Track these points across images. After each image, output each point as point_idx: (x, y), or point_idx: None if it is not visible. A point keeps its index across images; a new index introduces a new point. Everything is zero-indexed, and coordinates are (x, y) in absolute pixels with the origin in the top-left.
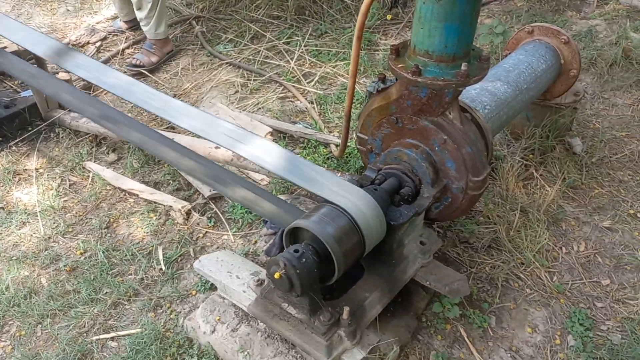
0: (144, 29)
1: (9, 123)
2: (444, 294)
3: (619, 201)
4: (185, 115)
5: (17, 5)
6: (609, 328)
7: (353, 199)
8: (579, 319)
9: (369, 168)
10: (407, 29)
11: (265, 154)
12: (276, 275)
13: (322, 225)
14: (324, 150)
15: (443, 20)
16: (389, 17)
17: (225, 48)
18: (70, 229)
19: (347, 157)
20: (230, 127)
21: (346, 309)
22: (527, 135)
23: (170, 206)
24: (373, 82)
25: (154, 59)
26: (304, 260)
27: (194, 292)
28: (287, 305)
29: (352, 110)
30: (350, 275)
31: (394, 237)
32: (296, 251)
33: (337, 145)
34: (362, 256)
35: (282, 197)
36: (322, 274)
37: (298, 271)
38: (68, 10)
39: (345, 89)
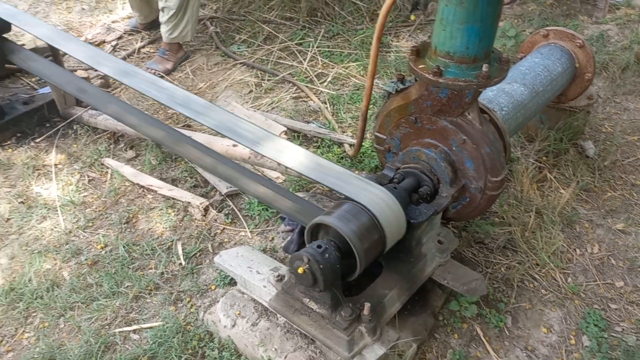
0: (161, 30)
1: (28, 119)
2: (461, 293)
3: (632, 204)
4: (209, 113)
5: (33, 4)
6: (623, 329)
7: (374, 197)
8: (593, 320)
9: (387, 167)
10: (419, 31)
11: (288, 153)
12: (300, 270)
13: (344, 222)
14: (338, 149)
15: (465, 22)
16: (412, 17)
17: (239, 48)
18: (90, 224)
19: (360, 156)
20: (253, 128)
21: (367, 305)
22: (540, 138)
23: (189, 202)
24: (392, 82)
25: (169, 65)
26: (327, 255)
27: (213, 287)
28: (308, 300)
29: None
30: (368, 273)
31: (412, 236)
32: (319, 247)
33: (351, 145)
34: (382, 253)
35: (300, 194)
36: (344, 270)
37: (321, 266)
38: (83, 8)
39: (358, 89)
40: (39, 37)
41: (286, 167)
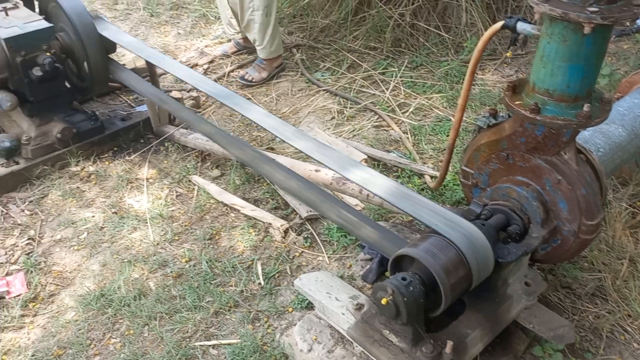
0: (257, 48)
1: (125, 134)
2: (547, 339)
3: None
4: (298, 138)
5: (134, 27)
6: None
7: (462, 232)
8: None
9: (474, 202)
10: (505, 64)
11: (375, 181)
12: (383, 301)
13: (430, 255)
14: (418, 180)
15: (567, 60)
16: (508, 54)
17: (322, 76)
18: (176, 238)
19: (441, 189)
20: (340, 154)
21: (449, 343)
22: (635, 182)
23: (270, 223)
24: (483, 116)
25: (264, 74)
26: (411, 288)
27: (290, 309)
28: (388, 332)
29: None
30: (449, 310)
31: (499, 275)
32: (404, 279)
33: (432, 177)
34: (468, 290)
35: (381, 224)
36: (427, 305)
37: (405, 299)
38: (179, 33)
39: (440, 121)
40: (145, 59)
41: (368, 195)
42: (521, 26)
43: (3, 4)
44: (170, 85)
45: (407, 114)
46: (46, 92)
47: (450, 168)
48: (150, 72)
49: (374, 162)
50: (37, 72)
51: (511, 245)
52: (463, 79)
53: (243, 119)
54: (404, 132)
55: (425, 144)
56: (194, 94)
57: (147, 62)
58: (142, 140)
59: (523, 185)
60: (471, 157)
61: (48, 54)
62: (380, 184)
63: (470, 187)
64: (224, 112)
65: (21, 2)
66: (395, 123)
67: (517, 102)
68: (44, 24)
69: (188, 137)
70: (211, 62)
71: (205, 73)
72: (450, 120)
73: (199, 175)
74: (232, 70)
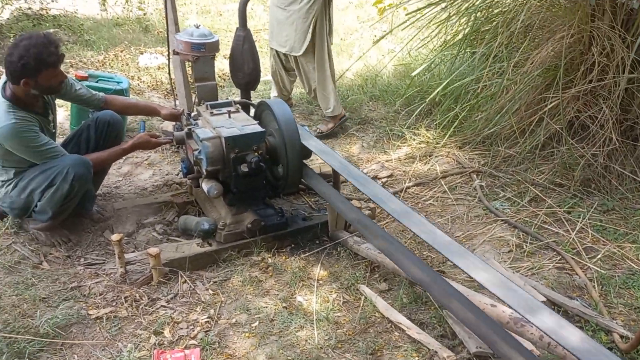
0: None
1: (304, 233)
2: None
3: None
4: (480, 269)
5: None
6: None
7: None
8: None
9: None
10: None
11: (562, 330)
12: None
13: None
14: (605, 337)
15: None
16: None
17: (502, 205)
18: (339, 345)
19: (634, 354)
20: (523, 293)
21: None
22: None
23: (435, 352)
24: None
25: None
26: None
27: None
28: None
29: None
30: None
31: None
32: None
33: (622, 337)
34: None
35: None
36: None
37: None
38: (363, 146)
39: (634, 274)
40: (333, 167)
41: (549, 343)
42: None
43: (227, 107)
44: (349, 193)
45: (594, 260)
46: (247, 186)
47: None
48: (334, 180)
49: (554, 307)
50: (244, 168)
51: None
52: None
53: (416, 235)
54: (589, 280)
55: (615, 297)
56: (372, 204)
57: (334, 171)
58: (317, 241)
59: None
60: None
61: (256, 153)
62: (568, 336)
63: None
64: (398, 226)
65: (240, 107)
66: (580, 268)
67: None
68: (258, 128)
69: (361, 246)
70: (390, 176)
71: (383, 185)
72: None
73: (367, 286)
74: (410, 187)
